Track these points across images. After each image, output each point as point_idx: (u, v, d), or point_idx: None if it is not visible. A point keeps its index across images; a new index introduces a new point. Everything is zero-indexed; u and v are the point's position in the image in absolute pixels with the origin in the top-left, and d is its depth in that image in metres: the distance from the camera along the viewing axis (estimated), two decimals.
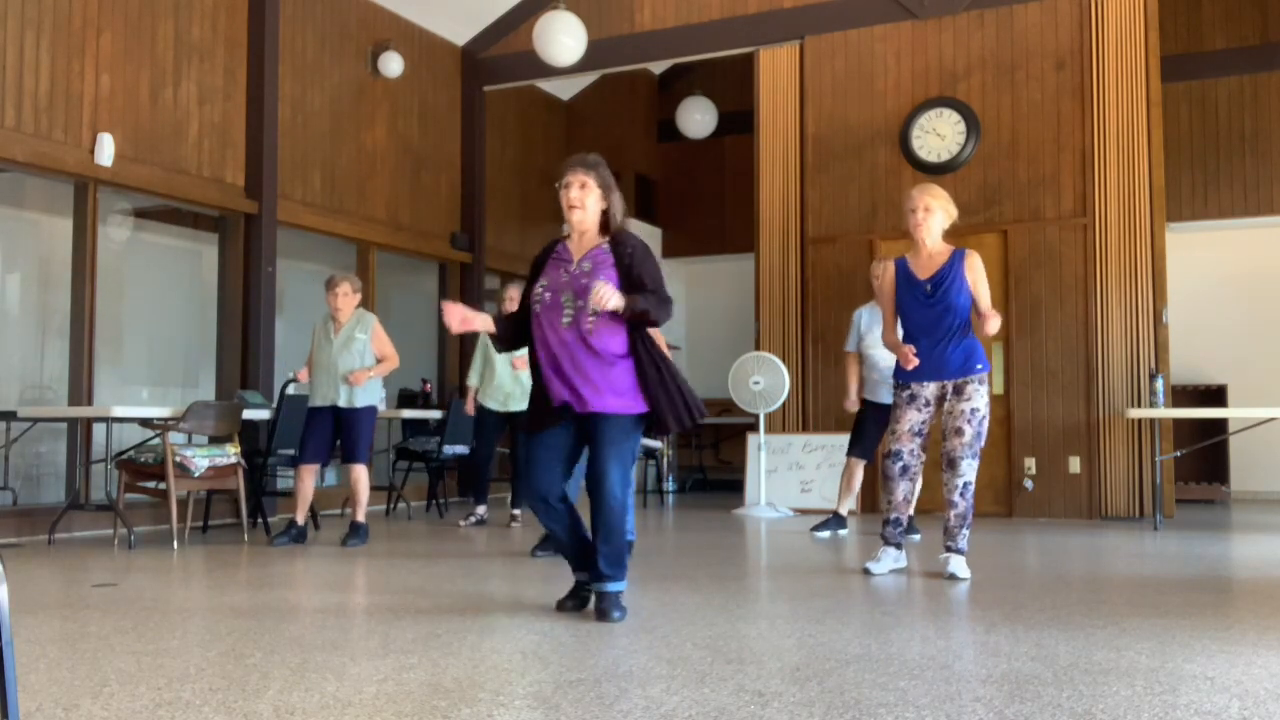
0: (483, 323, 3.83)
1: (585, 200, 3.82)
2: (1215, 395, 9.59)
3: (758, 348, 8.82)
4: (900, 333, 4.86)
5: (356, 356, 6.20)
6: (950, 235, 8.14)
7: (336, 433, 6.25)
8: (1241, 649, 3.16)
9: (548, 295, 3.76)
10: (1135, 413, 7.17)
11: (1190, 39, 9.95)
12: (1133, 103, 7.80)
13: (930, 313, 4.69)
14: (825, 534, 6.60)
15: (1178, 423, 9.41)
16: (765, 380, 8.16)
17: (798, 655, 3.09)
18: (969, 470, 4.63)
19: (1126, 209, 7.78)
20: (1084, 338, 7.82)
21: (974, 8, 8.27)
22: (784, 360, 8.56)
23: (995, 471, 8.06)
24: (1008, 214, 8.11)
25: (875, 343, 6.42)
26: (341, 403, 6.17)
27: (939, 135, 8.28)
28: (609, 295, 3.58)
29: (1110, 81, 7.87)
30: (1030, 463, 7.91)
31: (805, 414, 8.61)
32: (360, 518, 6.23)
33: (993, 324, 4.61)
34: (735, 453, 11.33)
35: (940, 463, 4.73)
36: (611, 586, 3.73)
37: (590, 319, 3.68)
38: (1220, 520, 7.70)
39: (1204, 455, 9.55)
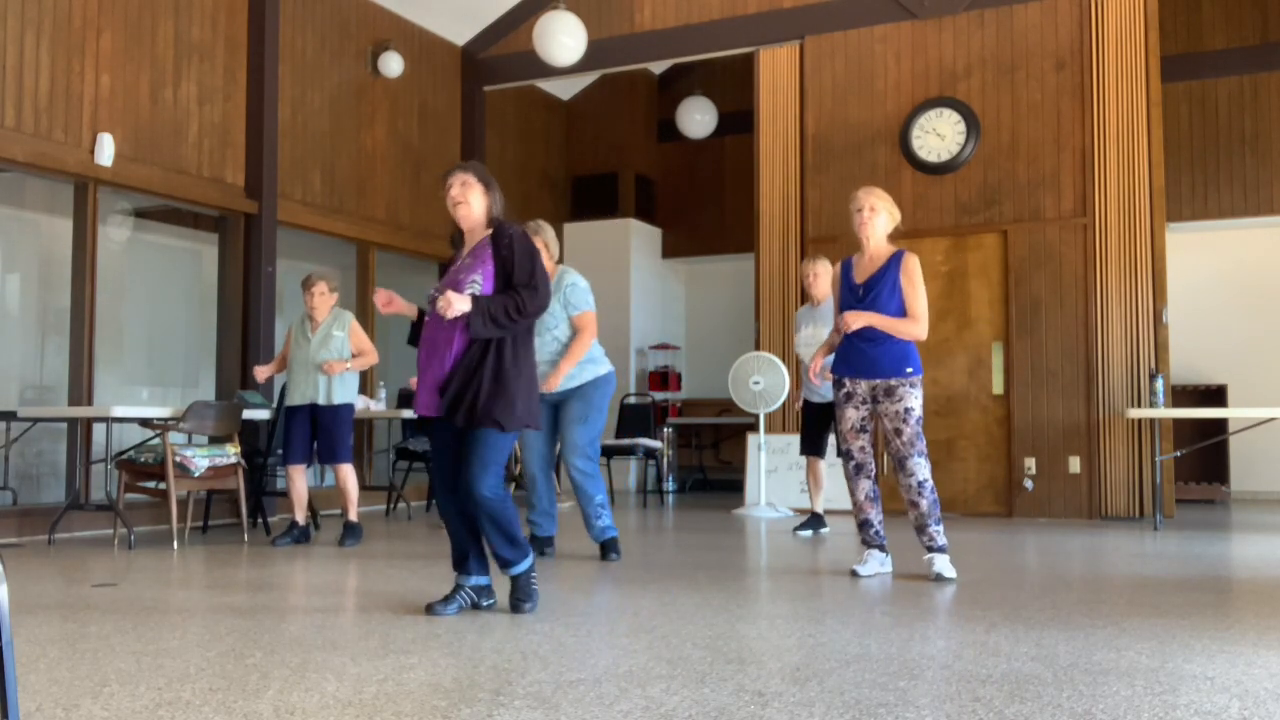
0: (406, 308, 3.93)
1: (468, 196, 3.85)
2: (1215, 395, 9.59)
3: (758, 348, 8.83)
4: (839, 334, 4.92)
5: (335, 354, 6.20)
6: (952, 234, 8.21)
7: (316, 432, 6.25)
8: (1241, 649, 3.16)
9: (434, 293, 3.82)
10: (1135, 413, 7.17)
11: (1190, 39, 9.95)
12: (1133, 103, 7.81)
13: None
14: (808, 533, 6.64)
15: (1178, 423, 9.42)
16: (765, 380, 8.16)
17: (798, 655, 3.09)
18: (920, 468, 4.65)
19: (1126, 209, 7.78)
20: (1084, 338, 7.83)
21: (974, 8, 8.27)
22: (784, 360, 8.56)
23: (995, 471, 8.06)
24: (1008, 214, 8.11)
25: (802, 342, 6.72)
26: (320, 400, 6.16)
27: (939, 135, 8.29)
28: (455, 302, 3.60)
29: (1110, 81, 7.87)
30: (1030, 463, 7.91)
31: None
32: (353, 517, 6.23)
33: (912, 328, 4.63)
34: (735, 453, 11.33)
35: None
36: (516, 569, 3.81)
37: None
38: (1220, 520, 7.70)
39: (1204, 455, 9.55)
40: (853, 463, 4.81)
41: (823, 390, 6.57)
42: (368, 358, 6.32)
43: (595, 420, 5.40)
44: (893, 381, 4.67)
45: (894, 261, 4.75)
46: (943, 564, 4.68)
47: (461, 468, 3.71)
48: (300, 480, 6.26)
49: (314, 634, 3.45)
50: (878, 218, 4.79)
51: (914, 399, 4.66)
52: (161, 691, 2.70)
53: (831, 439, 6.98)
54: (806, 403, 6.72)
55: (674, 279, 12.16)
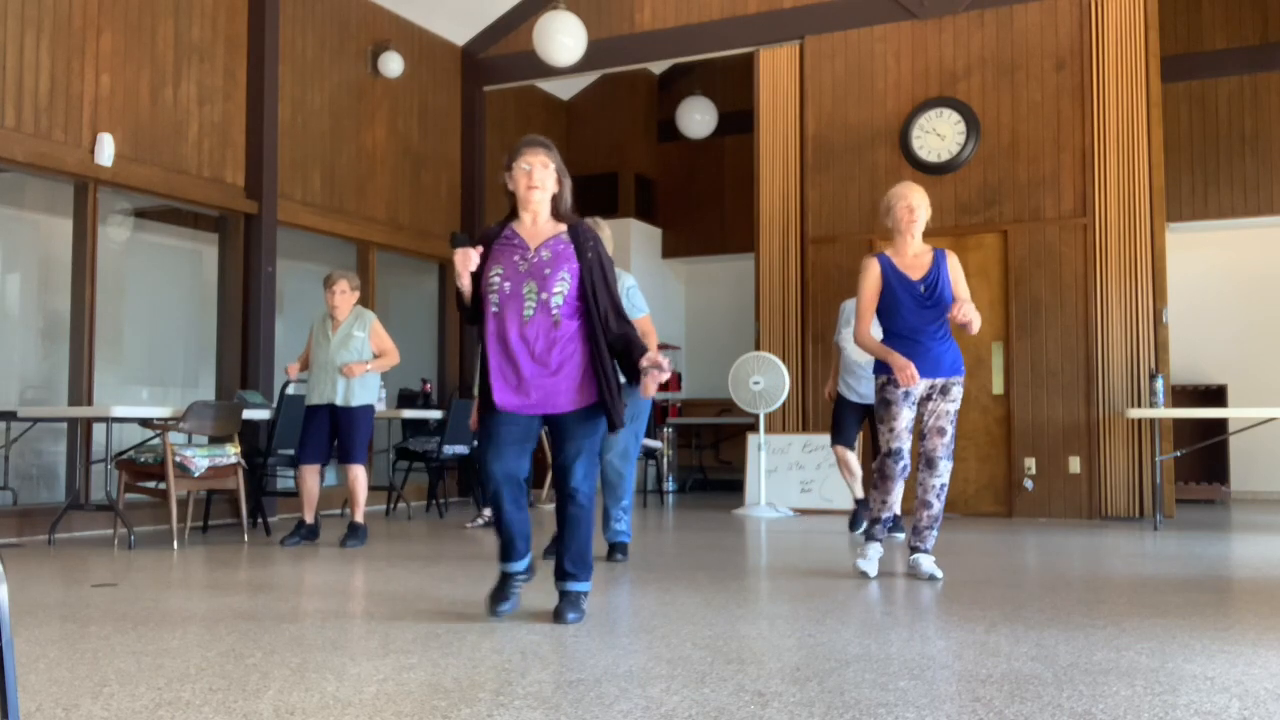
0: (468, 281, 3.67)
1: (547, 181, 3.71)
2: (1215, 395, 9.59)
3: (758, 348, 8.82)
4: (881, 332, 4.87)
5: (355, 354, 6.19)
6: (952, 234, 8.21)
7: (335, 432, 6.24)
8: (1241, 649, 3.16)
9: (507, 285, 3.62)
10: (1135, 413, 7.17)
11: (1190, 39, 9.95)
12: (1133, 103, 7.81)
13: (927, 313, 4.72)
14: (863, 527, 6.57)
15: (1178, 423, 9.42)
16: (765, 380, 8.16)
17: (798, 655, 3.09)
18: (947, 471, 4.69)
19: (1126, 209, 7.78)
20: (1084, 338, 7.83)
21: (974, 8, 8.27)
22: (784, 360, 8.56)
23: (995, 471, 8.06)
24: (1008, 214, 8.11)
25: (850, 338, 6.56)
26: (339, 401, 6.15)
27: (939, 135, 8.29)
28: (659, 381, 3.60)
29: (1110, 81, 7.87)
30: (1030, 463, 7.91)
31: (805, 414, 8.61)
32: (359, 518, 6.23)
33: (978, 323, 4.64)
34: (735, 453, 11.33)
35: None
36: (574, 586, 3.70)
37: (555, 312, 3.60)
38: (1220, 520, 7.69)
39: (1204, 455, 9.55)
40: (902, 463, 4.75)
41: (861, 390, 6.50)
42: (389, 358, 6.30)
43: (641, 419, 5.40)
44: (950, 380, 4.70)
45: (941, 259, 4.76)
46: (930, 564, 4.71)
47: (570, 465, 3.63)
48: (311, 480, 6.24)
49: (314, 634, 3.45)
50: (920, 215, 4.82)
51: (960, 399, 4.74)
52: (161, 691, 2.70)
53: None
54: (843, 399, 6.60)
55: (674, 279, 12.16)
